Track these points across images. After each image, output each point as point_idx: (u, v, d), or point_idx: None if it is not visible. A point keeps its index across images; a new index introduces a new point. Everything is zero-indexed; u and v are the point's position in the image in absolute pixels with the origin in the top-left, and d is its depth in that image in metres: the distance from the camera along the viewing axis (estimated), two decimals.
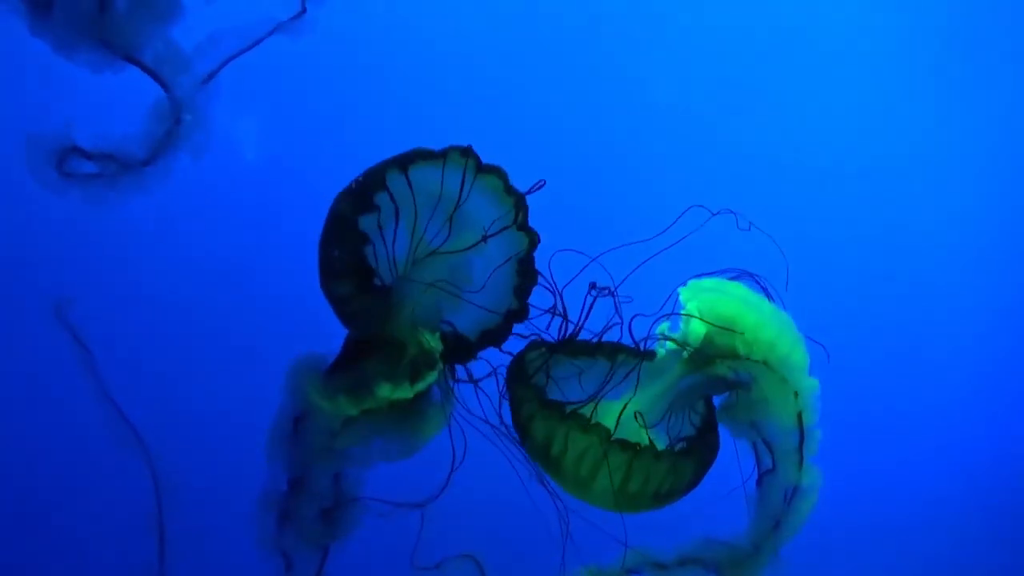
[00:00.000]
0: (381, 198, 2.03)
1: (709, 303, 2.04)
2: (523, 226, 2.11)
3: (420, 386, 2.00)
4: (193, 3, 1.94)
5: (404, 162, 2.03)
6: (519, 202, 2.10)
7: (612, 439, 1.93)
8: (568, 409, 1.99)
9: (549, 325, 2.15)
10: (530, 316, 2.16)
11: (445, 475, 2.09)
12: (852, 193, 3.75)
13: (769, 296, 2.08)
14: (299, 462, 2.06)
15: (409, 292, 2.05)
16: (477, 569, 2.29)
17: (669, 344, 2.10)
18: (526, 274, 2.13)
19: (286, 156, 3.08)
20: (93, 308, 2.51)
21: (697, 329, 2.05)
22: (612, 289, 2.06)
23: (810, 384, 2.03)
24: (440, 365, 2.03)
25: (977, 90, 3.74)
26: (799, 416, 2.02)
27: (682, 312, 2.08)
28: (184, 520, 2.16)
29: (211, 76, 2.00)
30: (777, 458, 2.06)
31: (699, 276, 2.09)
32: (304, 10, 2.05)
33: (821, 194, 3.70)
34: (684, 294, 2.08)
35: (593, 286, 2.09)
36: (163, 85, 1.96)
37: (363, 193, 2.00)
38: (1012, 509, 3.90)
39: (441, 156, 2.04)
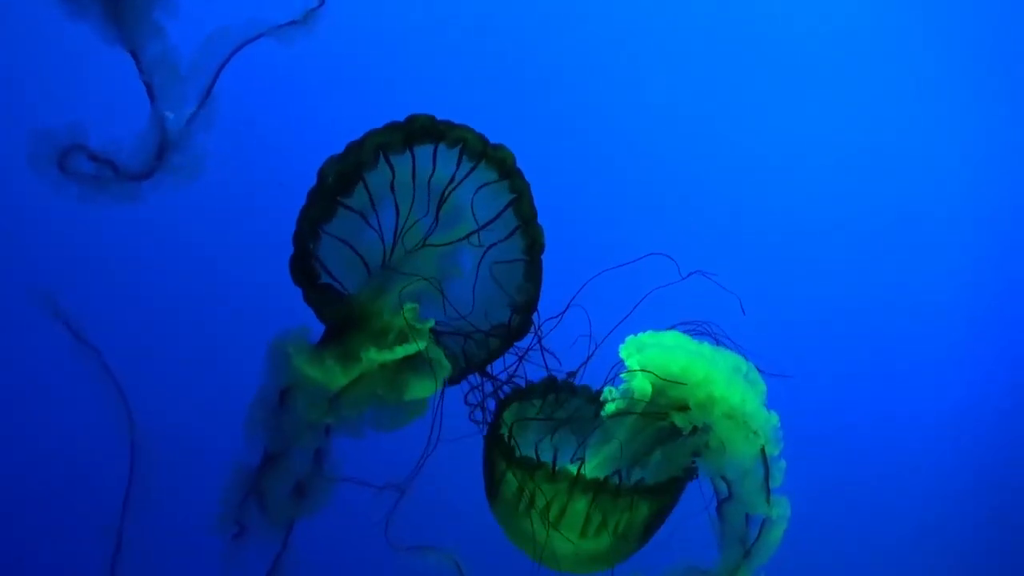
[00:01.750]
0: (375, 175, 1.95)
1: (653, 360, 1.97)
2: (526, 222, 1.99)
3: (408, 349, 1.95)
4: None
5: (408, 136, 1.91)
6: (520, 192, 1.97)
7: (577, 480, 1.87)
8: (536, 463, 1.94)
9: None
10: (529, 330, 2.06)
11: (430, 462, 2.05)
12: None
13: (719, 342, 2.03)
14: (279, 436, 2.02)
15: (395, 281, 2.00)
16: (450, 560, 2.27)
17: (618, 403, 2.02)
18: (528, 278, 2.02)
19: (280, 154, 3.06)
20: (84, 285, 2.59)
21: (643, 386, 1.98)
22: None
23: (769, 419, 1.98)
24: (427, 333, 1.99)
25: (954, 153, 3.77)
26: (762, 451, 1.99)
27: (627, 371, 2.00)
28: (152, 484, 2.13)
29: (210, 82, 1.93)
30: (744, 492, 2.02)
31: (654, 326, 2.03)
32: (313, 9, 2.00)
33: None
34: (625, 351, 2.01)
35: (571, 375, 2.05)
36: (148, 85, 1.90)
37: (353, 163, 1.91)
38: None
39: (447, 133, 1.93)
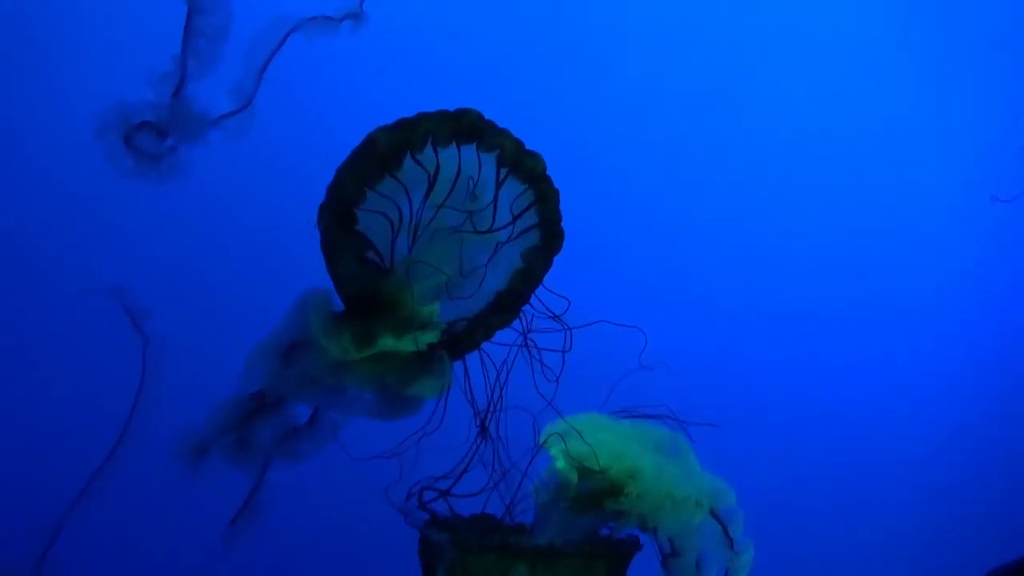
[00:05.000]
0: (422, 156, 1.93)
1: (578, 451, 1.91)
2: (547, 222, 1.97)
3: (421, 342, 1.94)
4: None
5: (459, 132, 1.91)
6: (545, 195, 1.96)
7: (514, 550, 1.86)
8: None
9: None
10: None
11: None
12: None
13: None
14: (277, 384, 2.02)
15: (417, 268, 1.99)
16: None
17: (546, 494, 1.98)
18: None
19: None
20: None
21: (569, 475, 1.93)
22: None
23: (714, 486, 1.94)
24: (439, 328, 1.98)
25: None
26: (711, 511, 1.94)
27: (553, 462, 1.96)
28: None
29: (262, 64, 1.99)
30: (704, 548, 1.98)
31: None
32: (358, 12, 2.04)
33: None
34: (546, 439, 1.94)
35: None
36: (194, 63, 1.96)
37: (405, 139, 1.90)
38: None
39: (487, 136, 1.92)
